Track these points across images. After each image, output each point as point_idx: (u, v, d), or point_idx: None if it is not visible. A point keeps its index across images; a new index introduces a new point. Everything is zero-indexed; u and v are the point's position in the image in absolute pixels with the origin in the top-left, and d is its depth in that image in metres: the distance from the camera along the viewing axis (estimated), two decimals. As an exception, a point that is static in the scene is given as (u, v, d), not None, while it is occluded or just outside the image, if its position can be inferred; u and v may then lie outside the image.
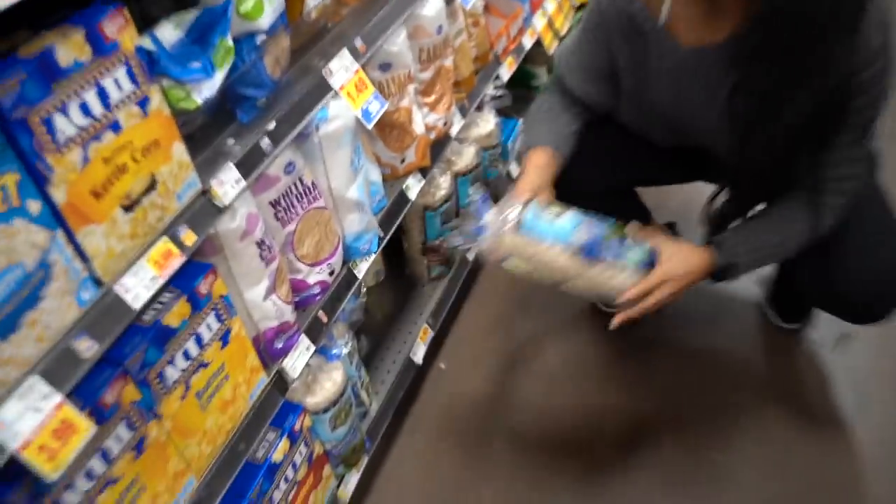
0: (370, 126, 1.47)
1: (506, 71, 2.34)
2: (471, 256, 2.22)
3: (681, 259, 1.41)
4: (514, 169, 2.59)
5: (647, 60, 1.49)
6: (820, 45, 1.18)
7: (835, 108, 1.29)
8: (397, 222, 1.75)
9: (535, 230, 1.36)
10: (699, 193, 1.61)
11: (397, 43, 1.62)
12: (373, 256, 1.63)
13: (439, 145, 1.92)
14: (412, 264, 2.14)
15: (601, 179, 1.75)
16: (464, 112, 2.03)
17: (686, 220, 2.36)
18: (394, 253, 2.12)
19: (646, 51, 1.48)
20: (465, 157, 2.09)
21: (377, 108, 1.50)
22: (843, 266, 1.50)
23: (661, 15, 1.41)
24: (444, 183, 2.00)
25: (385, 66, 1.63)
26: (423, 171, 1.85)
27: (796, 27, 1.18)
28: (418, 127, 1.76)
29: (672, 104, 1.51)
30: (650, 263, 1.40)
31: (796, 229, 1.43)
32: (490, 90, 2.24)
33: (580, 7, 3.16)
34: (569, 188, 1.84)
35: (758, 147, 1.36)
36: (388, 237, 1.71)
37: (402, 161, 1.77)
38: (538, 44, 2.73)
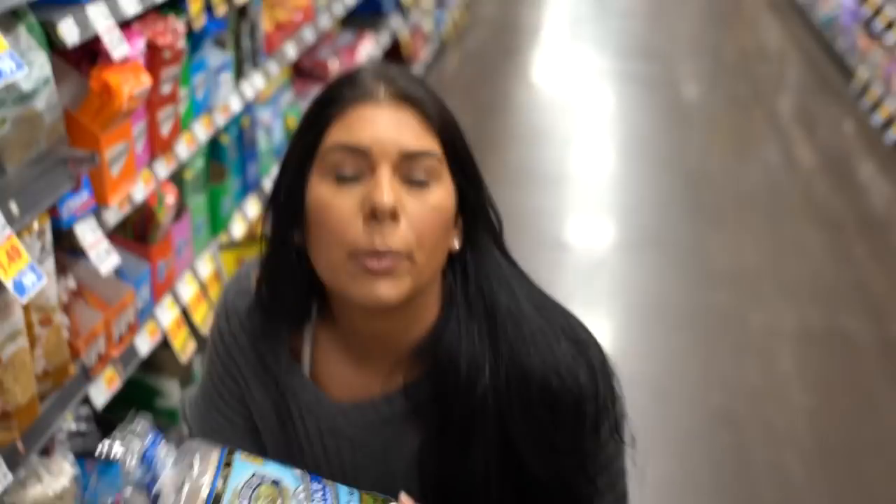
0: None
1: (102, 390, 2.32)
2: None
3: None
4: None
5: (292, 417, 1.57)
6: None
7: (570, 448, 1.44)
8: None
9: None
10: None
11: None
12: None
13: (-36, 517, 1.80)
14: None
15: None
16: (14, 461, 1.95)
17: None
18: None
19: (288, 404, 1.56)
20: (14, 534, 1.97)
21: None
22: None
23: (304, 363, 1.52)
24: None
25: None
26: (-72, 564, 1.70)
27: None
28: (-79, 490, 1.65)
29: (334, 476, 1.58)
30: None
31: None
32: (69, 423, 2.19)
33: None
34: None
35: None
36: None
37: None
38: (166, 345, 2.77)
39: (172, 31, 2.52)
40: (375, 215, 1.31)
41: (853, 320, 4.12)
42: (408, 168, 1.33)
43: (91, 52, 2.27)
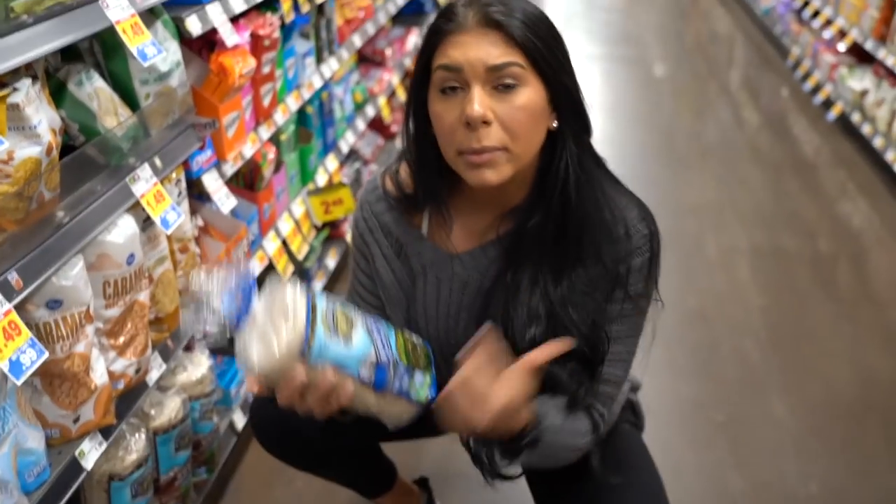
0: (19, 383, 1.33)
1: (227, 301, 2.30)
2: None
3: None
4: (238, 419, 2.48)
5: (413, 276, 1.57)
6: (587, 233, 1.42)
7: (606, 299, 1.44)
8: (65, 499, 1.57)
9: (325, 358, 1.27)
10: (458, 446, 1.56)
11: (70, 276, 1.53)
12: (24, 552, 1.44)
13: (132, 396, 1.80)
14: (94, 552, 1.89)
15: (333, 434, 1.69)
16: (167, 354, 1.94)
17: (443, 476, 2.36)
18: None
19: (410, 266, 1.56)
20: (168, 409, 1.97)
21: (32, 360, 1.37)
22: None
23: (423, 225, 1.53)
24: (136, 444, 1.85)
25: (54, 304, 1.53)
26: (107, 432, 1.69)
27: (564, 221, 1.41)
28: (99, 377, 1.64)
29: (440, 321, 1.57)
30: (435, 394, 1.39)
31: (582, 431, 1.45)
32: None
33: (324, 227, 3.28)
34: (288, 445, 1.76)
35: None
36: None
37: (76, 420, 1.62)
38: (271, 268, 2.75)
39: (270, 24, 2.46)
40: (470, 123, 1.32)
41: (790, 239, 4.04)
42: (496, 78, 1.33)
43: (209, 42, 2.22)
